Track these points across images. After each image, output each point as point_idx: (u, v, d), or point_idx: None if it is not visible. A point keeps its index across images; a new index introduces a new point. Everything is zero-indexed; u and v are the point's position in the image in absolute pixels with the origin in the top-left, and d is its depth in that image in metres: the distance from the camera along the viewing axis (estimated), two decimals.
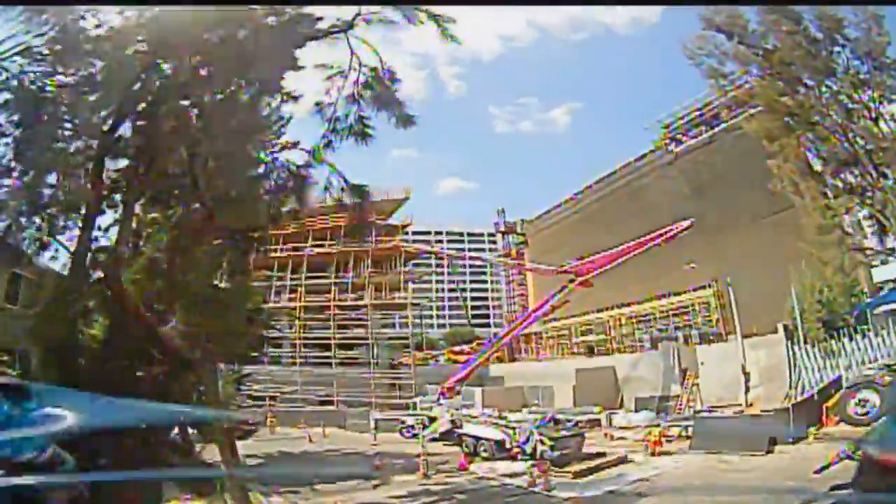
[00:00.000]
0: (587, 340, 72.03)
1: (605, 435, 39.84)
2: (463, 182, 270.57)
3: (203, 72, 13.28)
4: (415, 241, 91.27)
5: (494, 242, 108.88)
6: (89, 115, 12.06)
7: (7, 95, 11.24)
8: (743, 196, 44.24)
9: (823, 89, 21.78)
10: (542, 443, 32.27)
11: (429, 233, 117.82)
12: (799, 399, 33.50)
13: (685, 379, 45.34)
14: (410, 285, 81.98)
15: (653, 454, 33.19)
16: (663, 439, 34.45)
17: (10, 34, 11.03)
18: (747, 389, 37.17)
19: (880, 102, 21.40)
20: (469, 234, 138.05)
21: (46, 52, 11.24)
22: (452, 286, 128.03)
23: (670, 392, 45.28)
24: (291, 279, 77.44)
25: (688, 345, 49.56)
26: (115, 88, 11.83)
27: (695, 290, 55.50)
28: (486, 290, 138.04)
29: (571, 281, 54.73)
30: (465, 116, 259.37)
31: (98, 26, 12.23)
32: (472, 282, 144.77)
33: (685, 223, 50.50)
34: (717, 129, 52.38)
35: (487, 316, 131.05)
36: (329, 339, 73.38)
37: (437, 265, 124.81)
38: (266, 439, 49.19)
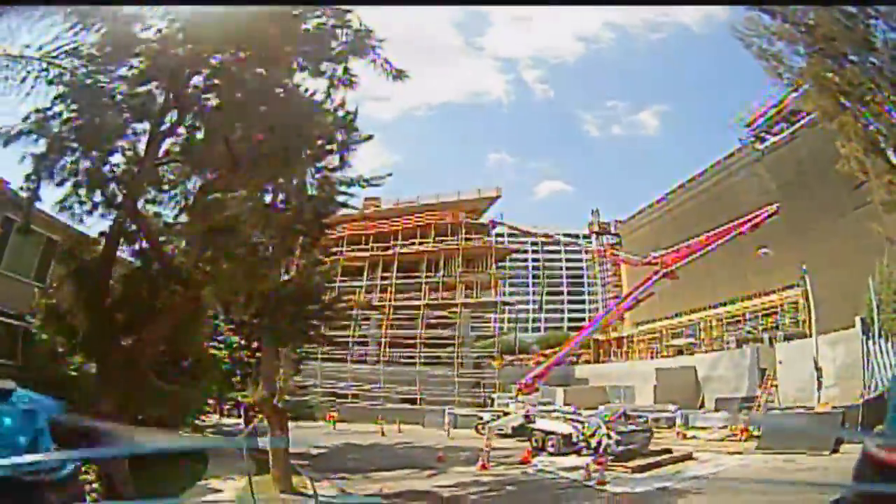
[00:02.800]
0: (677, 344, 70.84)
1: (678, 434, 39.02)
2: (561, 185, 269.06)
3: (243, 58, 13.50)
4: (509, 241, 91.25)
5: (590, 244, 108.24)
6: (141, 104, 12.47)
7: (62, 89, 11.72)
8: (827, 192, 42.96)
9: (868, 65, 21.06)
10: (609, 437, 31.98)
11: (524, 232, 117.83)
12: (871, 396, 31.80)
13: (764, 379, 44.26)
14: (502, 284, 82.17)
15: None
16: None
17: (57, 35, 11.53)
18: (819, 386, 35.82)
19: None
20: (565, 235, 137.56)
21: (95, 52, 11.69)
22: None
23: (754, 393, 44.06)
24: (382, 278, 78.37)
25: (772, 345, 48.12)
26: (164, 80, 12.21)
27: (783, 289, 53.98)
28: (582, 293, 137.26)
29: (656, 273, 54.30)
30: (555, 120, 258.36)
31: (144, 29, 12.62)
32: (569, 285, 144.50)
33: (771, 209, 49.56)
34: (796, 126, 51.16)
35: (584, 319, 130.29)
36: (416, 338, 74.02)
37: (534, 265, 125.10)
38: (335, 433, 50.38)
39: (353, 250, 76.04)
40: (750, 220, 49.90)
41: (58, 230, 27.52)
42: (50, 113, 11.47)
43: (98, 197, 12.77)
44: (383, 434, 50.63)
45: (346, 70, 12.20)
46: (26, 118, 11.13)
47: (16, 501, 4.61)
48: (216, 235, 12.37)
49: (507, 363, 74.48)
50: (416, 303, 75.89)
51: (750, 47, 26.80)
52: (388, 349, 74.64)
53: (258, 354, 30.62)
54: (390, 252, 78.59)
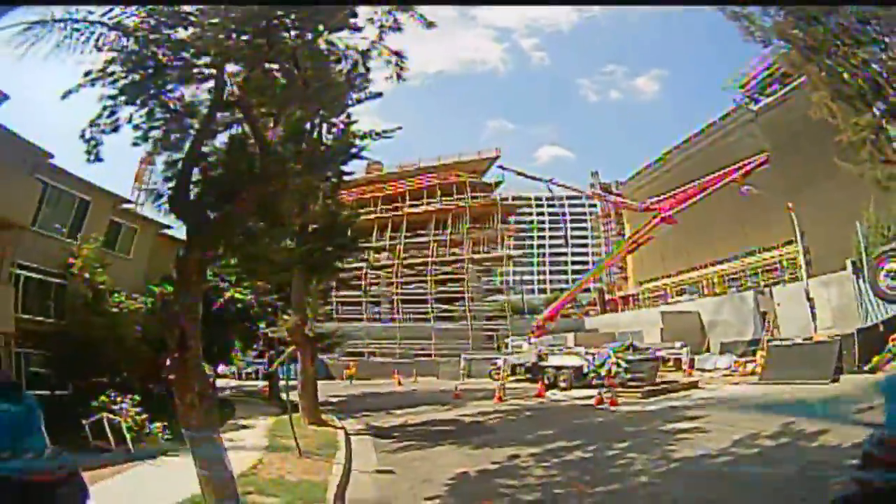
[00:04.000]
0: (681, 300, 72.06)
1: (685, 372, 40.42)
2: (560, 150, 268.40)
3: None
4: (513, 200, 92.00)
5: (594, 206, 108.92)
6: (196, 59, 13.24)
7: (113, 54, 12.50)
8: (819, 149, 43.54)
9: (833, 25, 22.46)
10: (618, 365, 33.50)
11: (528, 198, 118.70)
12: (864, 326, 32.68)
13: (765, 321, 45.50)
14: (509, 238, 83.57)
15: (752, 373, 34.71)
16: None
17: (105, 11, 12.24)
18: (814, 317, 37.14)
19: (886, 35, 22.01)
20: (568, 198, 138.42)
21: (139, 24, 12.41)
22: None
23: (759, 336, 45.00)
24: (391, 238, 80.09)
25: (772, 297, 49.06)
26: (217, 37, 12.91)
27: (782, 245, 54.68)
28: (586, 254, 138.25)
29: (654, 217, 55.66)
30: (552, 87, 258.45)
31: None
32: (573, 246, 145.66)
33: (762, 157, 50.77)
34: (788, 87, 51.82)
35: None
36: (427, 294, 75.86)
37: (539, 222, 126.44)
38: (354, 386, 53.02)
39: (360, 213, 77.30)
40: (741, 168, 51.07)
41: (91, 191, 29.31)
42: (104, 73, 12.31)
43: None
44: (400, 384, 52.87)
45: (395, 20, 13.48)
46: (87, 73, 12.08)
47: (15, 502, 4.64)
48: (289, 138, 13.89)
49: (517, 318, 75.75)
50: (426, 260, 77.74)
51: (724, 10, 28.14)
52: (400, 306, 76.26)
53: (280, 303, 32.63)
54: (398, 213, 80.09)
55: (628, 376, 32.78)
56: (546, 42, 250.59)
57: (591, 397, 30.32)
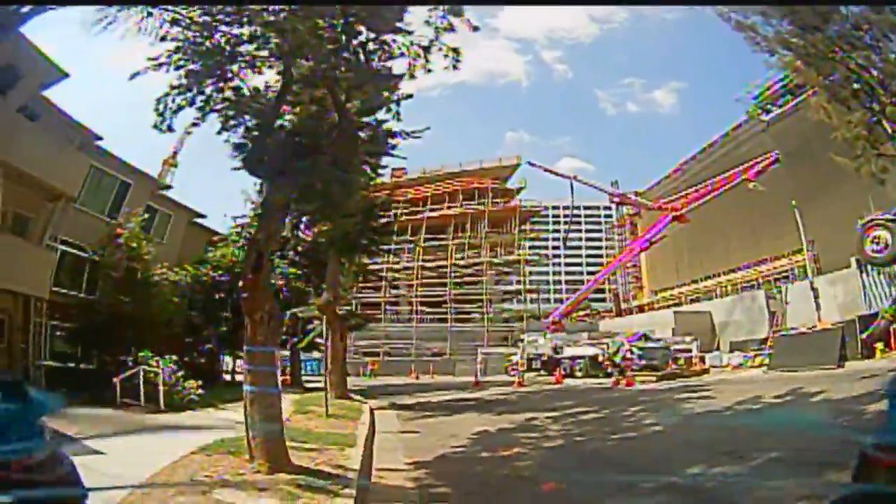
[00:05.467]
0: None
1: (695, 363, 41.02)
2: (580, 163, 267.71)
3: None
4: (532, 207, 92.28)
5: (610, 216, 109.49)
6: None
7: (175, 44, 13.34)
8: (829, 158, 44.07)
9: (830, 33, 23.65)
10: (632, 352, 34.73)
11: (546, 207, 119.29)
12: (865, 313, 33.21)
13: (773, 320, 46.11)
14: (526, 242, 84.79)
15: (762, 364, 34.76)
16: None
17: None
18: (818, 306, 38.04)
19: (880, 40, 23.13)
20: (585, 208, 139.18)
21: (196, 19, 13.20)
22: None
23: (768, 335, 45.56)
24: (410, 241, 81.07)
25: (783, 299, 49.60)
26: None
27: (793, 253, 55.17)
28: (603, 264, 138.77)
29: (665, 216, 56.65)
30: (572, 99, 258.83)
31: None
32: (588, 257, 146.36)
33: (772, 156, 51.71)
34: (798, 99, 52.38)
35: (604, 290, 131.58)
36: (445, 296, 76.98)
37: (555, 230, 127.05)
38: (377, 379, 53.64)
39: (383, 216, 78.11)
40: (751, 167, 52.11)
41: (132, 174, 30.53)
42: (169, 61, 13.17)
43: None
44: (418, 378, 54.60)
45: (449, 23, 14.35)
46: (153, 58, 12.94)
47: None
48: (361, 110, 15.09)
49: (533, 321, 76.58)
50: (444, 263, 78.91)
51: (729, 21, 29.38)
52: (419, 307, 77.38)
53: (310, 289, 33.94)
54: (418, 217, 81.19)
55: (643, 362, 33.96)
56: (568, 54, 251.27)
57: (608, 382, 31.87)
